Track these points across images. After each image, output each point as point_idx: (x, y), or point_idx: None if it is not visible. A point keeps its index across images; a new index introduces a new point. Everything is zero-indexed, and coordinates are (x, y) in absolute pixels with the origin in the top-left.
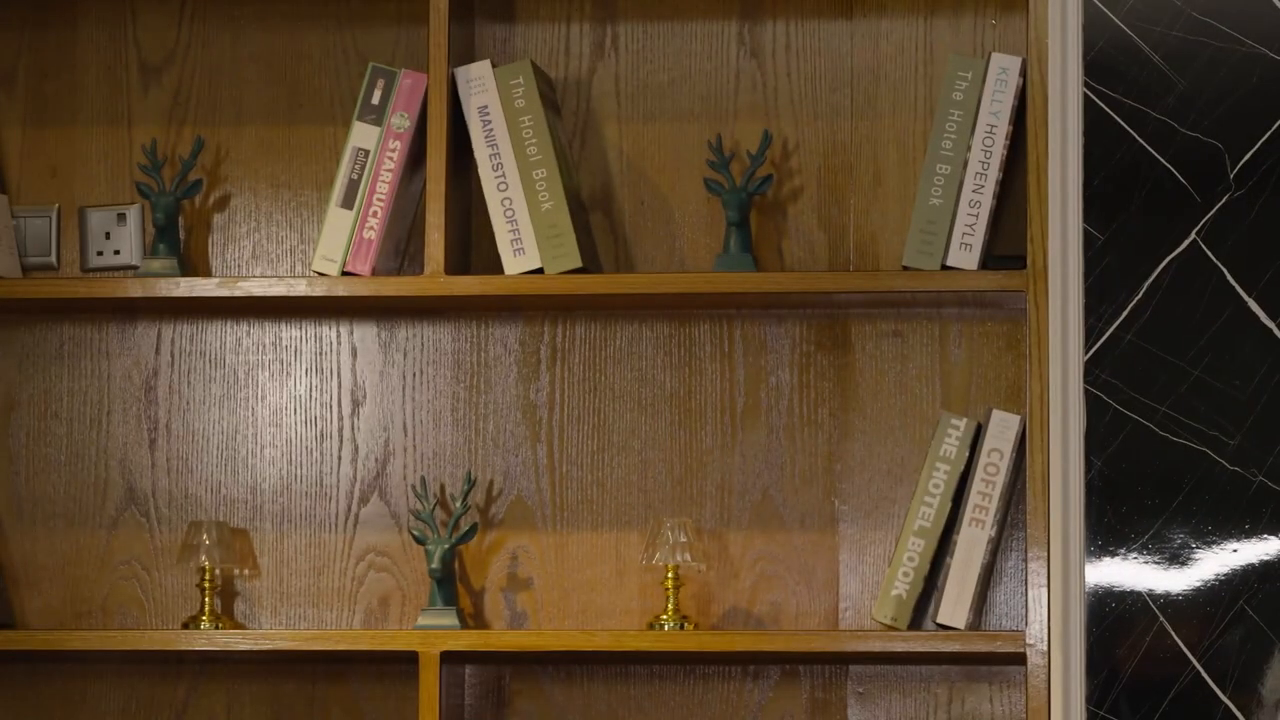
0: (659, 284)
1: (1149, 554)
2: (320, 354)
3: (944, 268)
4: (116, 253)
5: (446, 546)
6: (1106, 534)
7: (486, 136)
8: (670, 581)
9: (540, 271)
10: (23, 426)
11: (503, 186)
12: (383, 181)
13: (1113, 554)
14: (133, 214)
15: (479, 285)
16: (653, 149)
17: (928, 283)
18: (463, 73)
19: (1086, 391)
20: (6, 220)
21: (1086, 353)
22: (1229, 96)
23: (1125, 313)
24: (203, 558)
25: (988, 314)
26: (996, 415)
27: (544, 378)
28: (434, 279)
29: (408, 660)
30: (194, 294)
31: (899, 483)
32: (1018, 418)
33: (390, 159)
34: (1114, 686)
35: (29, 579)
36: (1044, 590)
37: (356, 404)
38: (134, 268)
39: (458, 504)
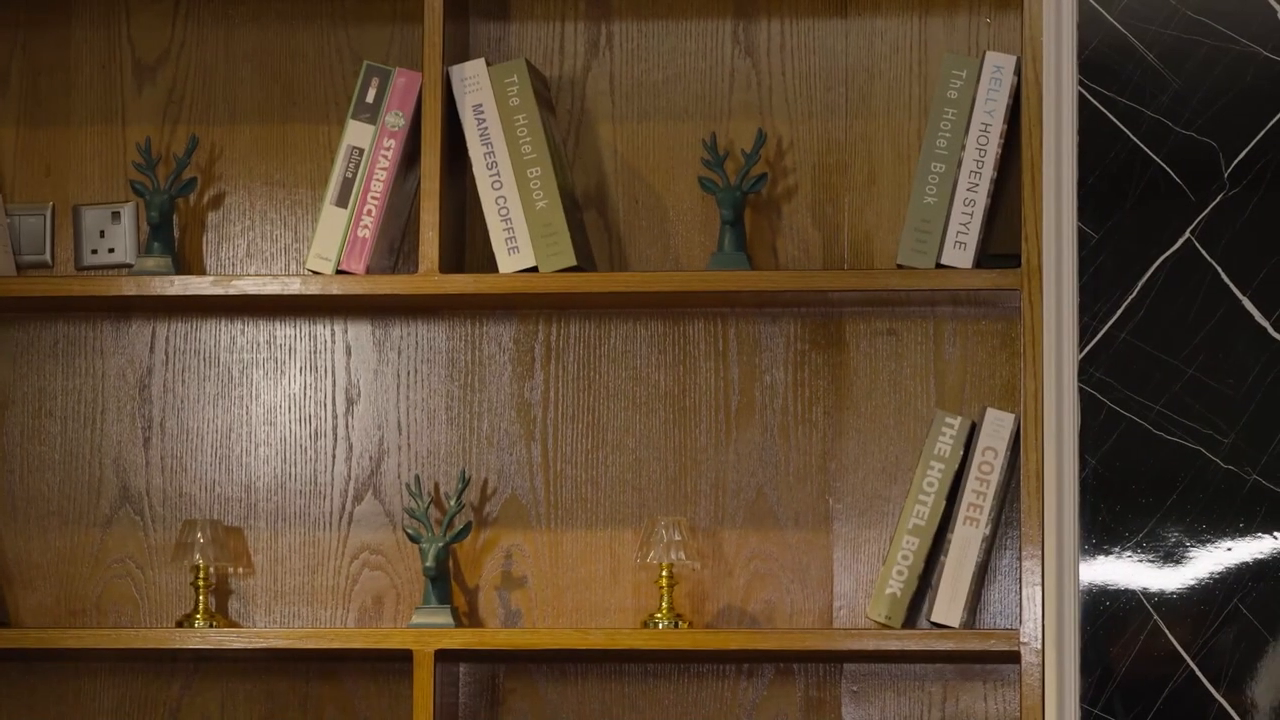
0: (653, 283)
1: (1143, 552)
2: (315, 352)
3: (938, 266)
4: (111, 251)
5: (441, 545)
6: (1101, 532)
7: (481, 135)
8: (664, 580)
9: (535, 270)
10: (17, 425)
11: (497, 185)
12: (377, 180)
13: (1107, 552)
14: (127, 212)
15: (473, 284)
16: (647, 147)
17: (922, 281)
18: (457, 71)
19: (1081, 390)
20: (1, 218)
21: (1081, 351)
22: (1223, 95)
23: (1119, 311)
24: (197, 556)
25: (982, 312)
26: (991, 414)
27: (538, 376)
28: (428, 277)
29: (402, 659)
30: (188, 292)
31: (893, 481)
32: (1012, 416)
33: (385, 157)
34: (1108, 685)
35: (23, 577)
36: (1038, 589)
37: (351, 402)
38: (128, 266)
39: (452, 502)
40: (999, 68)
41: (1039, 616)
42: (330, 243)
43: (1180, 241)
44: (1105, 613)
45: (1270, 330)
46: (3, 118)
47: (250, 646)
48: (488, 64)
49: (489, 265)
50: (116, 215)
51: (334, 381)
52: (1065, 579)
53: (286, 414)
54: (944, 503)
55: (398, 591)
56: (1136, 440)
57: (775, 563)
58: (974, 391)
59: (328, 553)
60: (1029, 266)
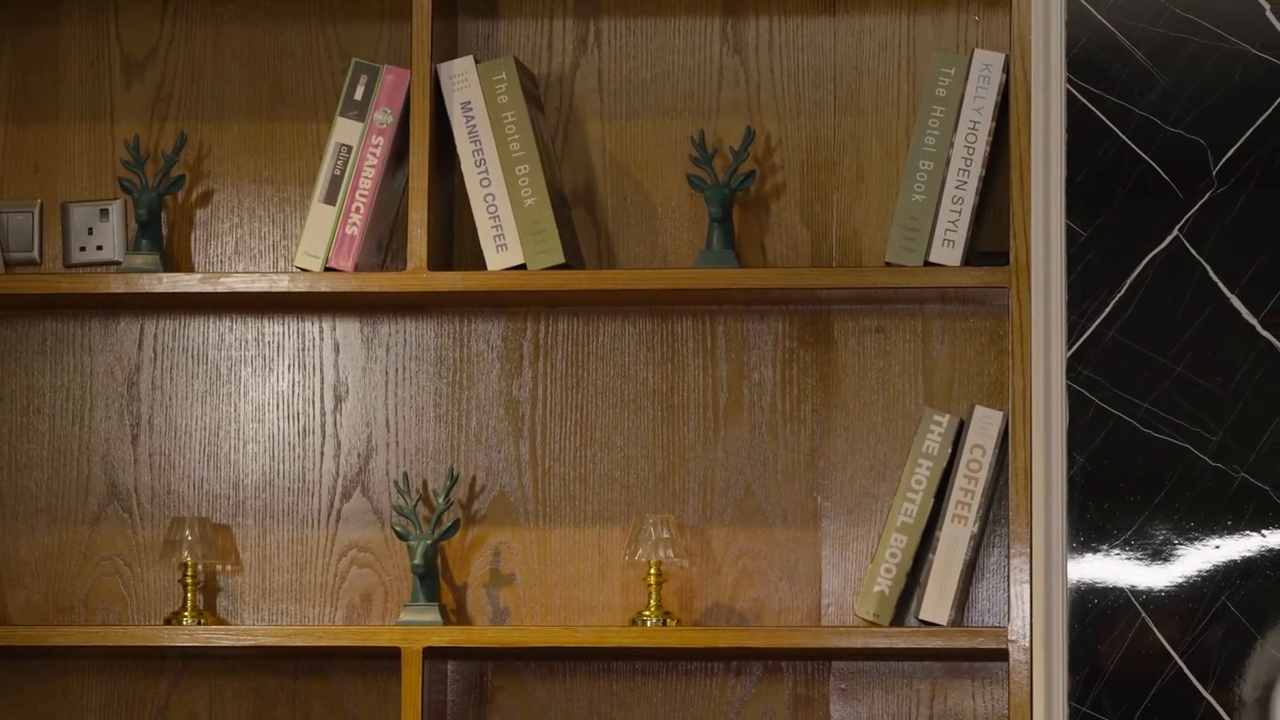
0: (642, 280)
1: (1131, 550)
2: (303, 350)
3: (927, 264)
4: (99, 248)
5: (429, 542)
6: (1089, 530)
7: (469, 132)
8: (653, 577)
9: (523, 267)
10: (5, 422)
11: (485, 182)
12: (365, 177)
13: (1095, 550)
14: (115, 210)
15: (461, 281)
16: (635, 145)
17: (910, 279)
18: (446, 69)
19: (1069, 388)
20: None
21: (1069, 349)
22: (1211, 93)
23: (1108, 309)
24: (185, 553)
25: (970, 310)
26: (979, 411)
27: (526, 374)
28: (417, 275)
29: (390, 656)
30: (176, 290)
31: (881, 479)
32: (1000, 414)
33: (373, 155)
34: (1096, 683)
35: (11, 575)
36: (1026, 586)
37: (339, 400)
38: (116, 263)
39: (440, 500)
40: (987, 65)
41: (1027, 614)
42: (318, 240)
43: (1168, 239)
44: (1093, 610)
45: (1258, 328)
46: None
47: (238, 644)
48: (476, 61)
49: (477, 263)
50: (105, 212)
51: (322, 379)
52: (1053, 577)
53: (275, 411)
54: (932, 500)
55: (386, 589)
56: (1125, 438)
57: (763, 560)
58: (962, 389)
59: (316, 550)
60: (1017, 264)
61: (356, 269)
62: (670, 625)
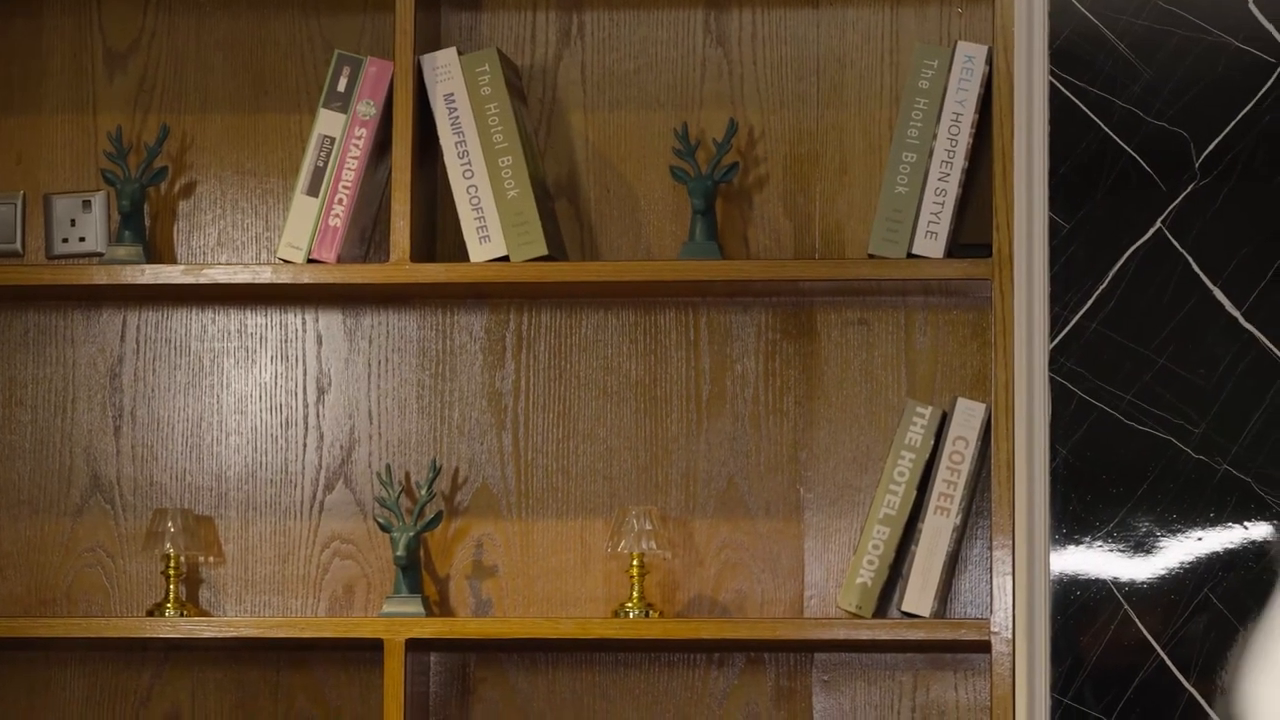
0: (624, 272)
1: (1113, 542)
2: (285, 341)
3: (909, 256)
4: (82, 240)
5: (411, 534)
6: (1071, 522)
7: (452, 124)
8: (635, 569)
9: (506, 259)
10: None
11: (468, 174)
12: (348, 169)
13: (1077, 542)
14: (98, 201)
15: (444, 273)
16: (618, 137)
17: (893, 271)
18: (429, 60)
19: (1051, 380)
20: None
21: (1052, 341)
22: (1194, 85)
23: (1090, 301)
24: (167, 545)
25: (953, 302)
26: (962, 403)
27: (509, 365)
28: (399, 266)
29: (372, 647)
30: (159, 281)
31: (864, 471)
32: (983, 406)
33: (356, 146)
34: (1078, 674)
35: None
36: (1009, 578)
37: (322, 391)
38: (99, 255)
39: (423, 491)
40: (970, 57)
41: (1009, 606)
42: (301, 232)
43: (1151, 231)
44: (1076, 602)
45: (1241, 320)
46: None
47: (221, 635)
48: (459, 53)
49: (460, 254)
50: (87, 204)
51: (305, 370)
52: (1036, 568)
53: (257, 403)
54: (915, 492)
55: (368, 580)
56: (1107, 430)
57: (746, 552)
58: (945, 381)
59: (298, 542)
60: (1000, 256)
61: (339, 260)
62: (653, 617)
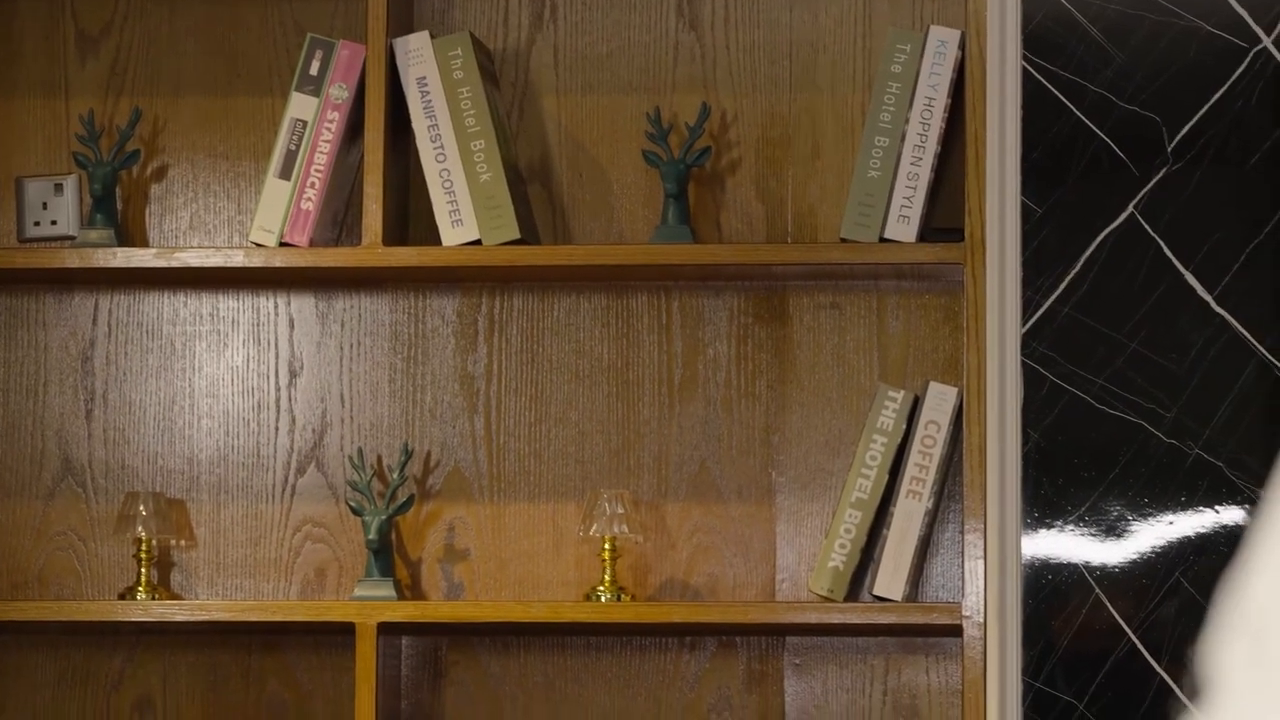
0: (597, 256)
1: (1085, 526)
2: (257, 325)
3: (882, 240)
4: (54, 223)
5: (383, 518)
6: (1043, 506)
7: (425, 108)
8: (607, 553)
9: (478, 243)
10: None
11: (441, 158)
12: (320, 152)
13: (1049, 526)
14: (70, 184)
15: (417, 256)
16: (591, 121)
17: (865, 255)
18: (401, 44)
19: (1024, 364)
20: None
21: (1024, 325)
22: (1167, 70)
23: (1063, 285)
24: (139, 528)
25: (925, 286)
26: (934, 387)
27: (481, 349)
28: (371, 250)
29: (344, 631)
30: (131, 265)
31: (836, 455)
32: (955, 390)
33: (328, 130)
34: (1050, 658)
35: None
36: (980, 562)
37: (294, 375)
38: (71, 238)
39: (395, 475)
40: (943, 42)
41: (981, 590)
42: (273, 215)
43: (1123, 216)
44: (1047, 586)
45: (1212, 304)
46: None
47: (192, 619)
48: (431, 36)
49: (432, 238)
50: (59, 187)
51: (277, 354)
52: (1008, 553)
53: (229, 386)
54: (886, 476)
55: (340, 564)
56: (1079, 414)
57: (718, 536)
58: (917, 365)
59: (270, 525)
60: (972, 241)
61: (311, 244)
62: (624, 601)
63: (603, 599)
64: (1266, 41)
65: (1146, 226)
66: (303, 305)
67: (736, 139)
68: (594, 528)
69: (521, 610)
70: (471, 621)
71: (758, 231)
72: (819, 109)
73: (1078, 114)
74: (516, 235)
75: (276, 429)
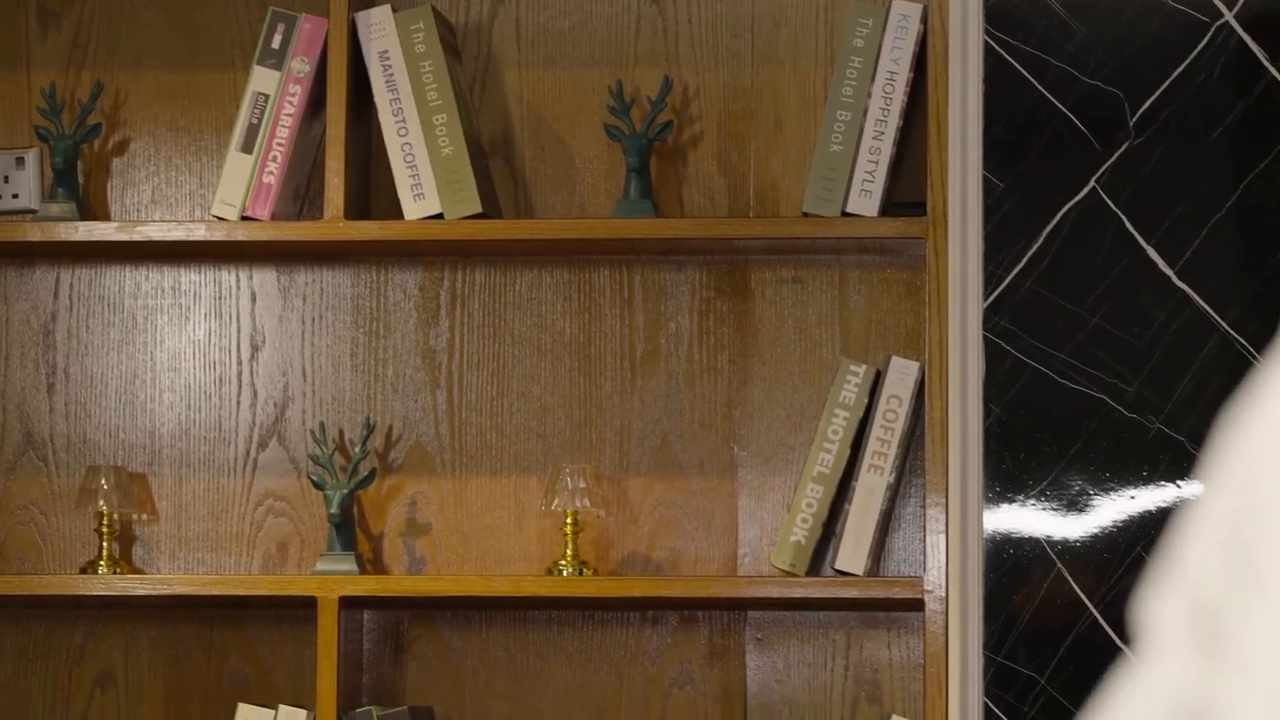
0: (559, 230)
1: (1047, 501)
2: (219, 299)
3: (844, 214)
4: (15, 197)
5: (345, 492)
6: (1005, 481)
7: (387, 82)
8: (569, 527)
9: (440, 217)
10: None
11: (403, 132)
12: (282, 126)
13: (1011, 500)
14: (31, 158)
15: (378, 230)
16: (553, 95)
17: (827, 229)
18: (363, 17)
19: (985, 338)
20: None
21: (986, 299)
22: (1128, 45)
23: (1024, 260)
24: (100, 502)
25: (887, 261)
26: (895, 362)
27: (443, 323)
28: (333, 224)
29: (306, 605)
30: (93, 238)
31: (798, 429)
32: (917, 364)
33: (290, 104)
34: (1011, 633)
35: None
36: (942, 537)
37: (255, 349)
38: (32, 212)
39: (356, 449)
40: (905, 16)
41: (943, 564)
42: (235, 189)
43: (1085, 190)
44: (1009, 560)
45: (1174, 279)
46: None
47: (154, 593)
48: (394, 10)
49: (394, 212)
50: (20, 161)
51: (239, 328)
52: (969, 527)
53: (191, 360)
54: (848, 450)
55: (302, 538)
56: (1041, 388)
57: (680, 510)
58: (879, 339)
59: (232, 499)
60: (934, 215)
61: (273, 218)
62: (586, 575)
63: (565, 573)
64: (1228, 16)
65: (1108, 201)
66: (264, 279)
67: (699, 113)
68: (556, 502)
69: (483, 584)
70: (433, 595)
71: (720, 206)
72: (781, 83)
73: (1040, 88)
74: (478, 209)
75: (238, 403)
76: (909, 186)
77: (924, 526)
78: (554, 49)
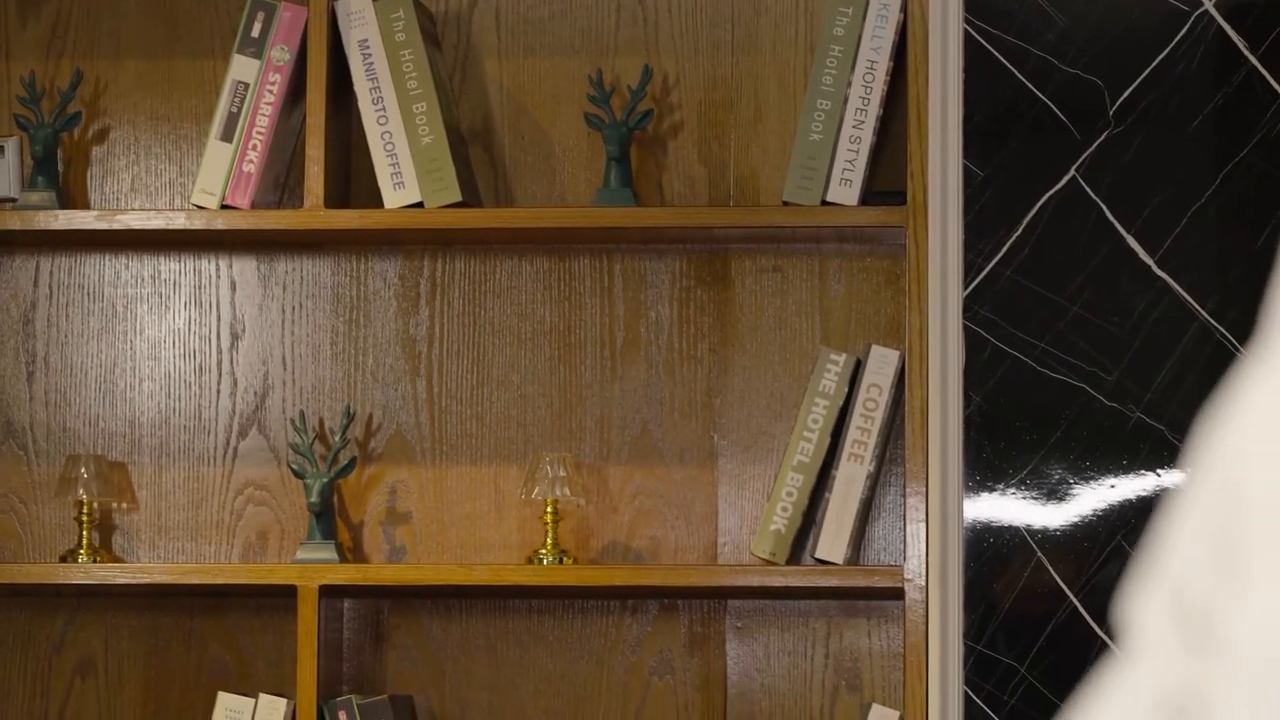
0: (539, 218)
1: (1027, 489)
2: (199, 287)
3: (824, 203)
4: None
5: (325, 480)
6: (985, 469)
7: (367, 70)
8: (549, 516)
9: (420, 205)
10: None
11: (383, 120)
12: (262, 115)
13: (991, 489)
14: (11, 147)
15: (358, 219)
16: (533, 83)
17: (808, 218)
18: (343, 6)
19: (965, 327)
20: None
21: (965, 288)
22: (1108, 34)
23: (1005, 249)
24: (80, 491)
25: (867, 249)
26: (876, 351)
27: (423, 312)
28: (313, 212)
29: (286, 594)
30: (72, 227)
31: (778, 418)
32: (897, 353)
33: (270, 92)
34: (991, 621)
35: None
36: (922, 525)
37: (235, 337)
38: (12, 200)
39: (336, 438)
40: (885, 5)
41: (923, 553)
42: (215, 178)
43: (1065, 179)
44: (989, 549)
45: (1154, 267)
46: None
47: (134, 582)
48: None
49: (374, 201)
50: (0, 149)
51: (219, 317)
52: (949, 516)
53: (171, 349)
54: (829, 439)
55: (282, 527)
56: (1021, 377)
57: (660, 499)
58: (859, 328)
59: (212, 488)
60: (914, 204)
61: (253, 206)
62: (567, 564)
63: (545, 562)
64: (1208, 5)
65: (1088, 190)
66: (244, 268)
67: (679, 102)
68: (536, 491)
69: (463, 573)
70: (413, 584)
71: (700, 194)
72: (761, 72)
73: (1020, 77)
74: (458, 198)
75: (218, 392)
76: (889, 175)
77: (904, 515)
78: (534, 38)
